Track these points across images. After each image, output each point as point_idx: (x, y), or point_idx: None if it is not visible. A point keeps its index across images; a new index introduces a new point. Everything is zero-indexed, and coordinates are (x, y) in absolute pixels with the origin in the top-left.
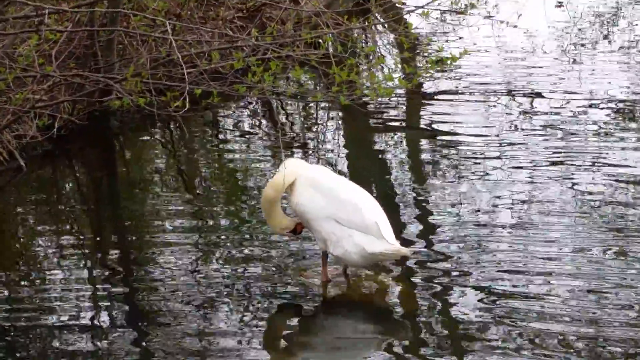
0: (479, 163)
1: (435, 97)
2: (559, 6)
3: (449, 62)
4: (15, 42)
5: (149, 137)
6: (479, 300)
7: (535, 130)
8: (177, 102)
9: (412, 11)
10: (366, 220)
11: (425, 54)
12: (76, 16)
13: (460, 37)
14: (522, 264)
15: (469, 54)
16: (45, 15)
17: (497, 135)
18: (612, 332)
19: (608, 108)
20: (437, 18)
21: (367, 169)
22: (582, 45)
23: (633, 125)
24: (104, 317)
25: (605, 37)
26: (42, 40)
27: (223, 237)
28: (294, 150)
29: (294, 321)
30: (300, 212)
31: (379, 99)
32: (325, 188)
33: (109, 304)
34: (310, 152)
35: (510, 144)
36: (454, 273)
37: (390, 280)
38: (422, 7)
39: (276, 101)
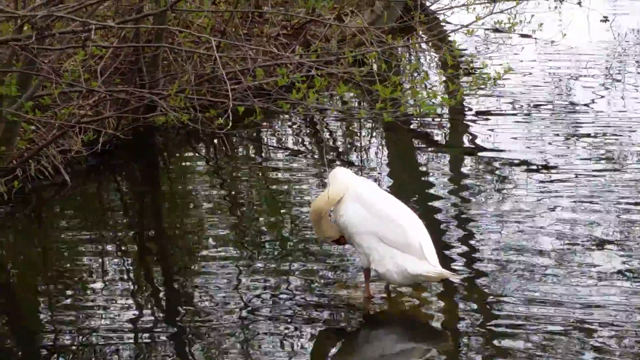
0: (523, 182)
1: (479, 116)
2: (604, 21)
3: (492, 80)
4: (61, 57)
5: (192, 153)
6: (520, 321)
7: (578, 150)
8: (221, 119)
9: (456, 30)
10: (410, 241)
11: (469, 72)
12: (122, 32)
13: (505, 56)
14: (564, 288)
15: (513, 71)
16: (92, 31)
17: (541, 155)
18: None
19: None
20: (480, 37)
21: (409, 187)
22: (626, 64)
23: None
24: (146, 330)
25: None
26: (88, 56)
27: (265, 252)
28: (335, 168)
29: (337, 337)
30: (344, 226)
31: (423, 117)
32: (371, 204)
33: (151, 317)
34: (354, 169)
35: (554, 163)
36: (496, 292)
37: (432, 297)
38: (466, 25)
39: (320, 118)
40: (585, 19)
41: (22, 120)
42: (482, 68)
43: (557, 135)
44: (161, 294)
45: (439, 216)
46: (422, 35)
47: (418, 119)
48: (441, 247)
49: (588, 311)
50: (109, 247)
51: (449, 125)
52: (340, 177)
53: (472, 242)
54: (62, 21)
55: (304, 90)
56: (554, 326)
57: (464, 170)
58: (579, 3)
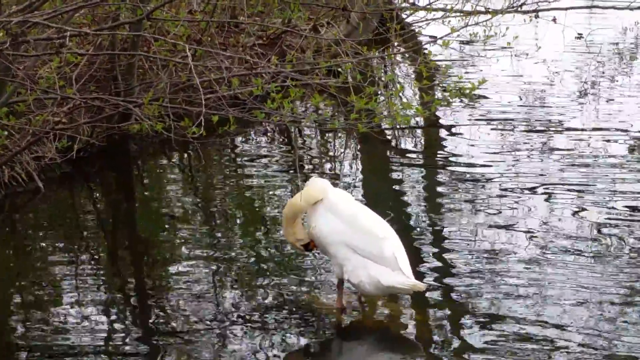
0: (496, 194)
1: (453, 128)
2: (579, 38)
3: (467, 91)
4: (36, 64)
5: (167, 162)
6: (491, 332)
7: (552, 162)
8: (194, 128)
9: (432, 42)
10: (384, 252)
11: (444, 84)
12: (98, 39)
13: (480, 69)
14: (536, 298)
15: (487, 82)
16: (67, 37)
17: (514, 167)
18: None
19: (625, 142)
20: (456, 50)
21: (383, 198)
22: (601, 78)
23: None
24: (118, 341)
25: (624, 71)
26: (63, 63)
27: (238, 262)
28: (312, 177)
29: (309, 348)
30: (317, 236)
31: (397, 129)
32: (345, 215)
33: (123, 327)
34: (329, 179)
35: (527, 175)
36: (468, 303)
37: (405, 308)
38: (442, 37)
39: (294, 128)
40: (561, 33)
41: None
42: (458, 80)
43: (531, 147)
44: (134, 303)
45: (412, 228)
46: (398, 47)
47: (393, 130)
48: (415, 259)
49: (561, 325)
50: (82, 255)
51: (423, 137)
52: (317, 184)
53: (445, 254)
54: (37, 27)
55: (278, 100)
56: (526, 340)
57: (438, 182)
58: (554, 20)
